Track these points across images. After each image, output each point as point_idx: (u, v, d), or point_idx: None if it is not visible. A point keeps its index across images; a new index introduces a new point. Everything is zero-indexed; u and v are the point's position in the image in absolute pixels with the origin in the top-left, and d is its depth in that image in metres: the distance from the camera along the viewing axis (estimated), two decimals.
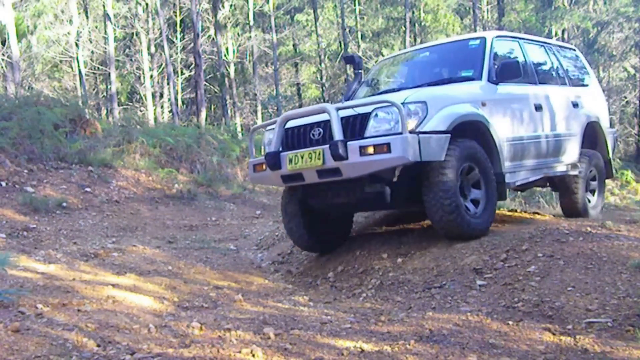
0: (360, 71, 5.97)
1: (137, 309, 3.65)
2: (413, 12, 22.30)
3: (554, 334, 3.21)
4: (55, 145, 8.97)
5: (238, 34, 26.09)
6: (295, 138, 5.07)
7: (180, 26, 25.76)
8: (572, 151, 6.47)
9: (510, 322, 3.43)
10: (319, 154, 4.73)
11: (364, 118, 4.72)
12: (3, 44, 19.31)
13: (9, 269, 4.18)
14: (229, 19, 24.57)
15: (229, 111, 23.26)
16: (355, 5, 24.28)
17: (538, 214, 6.82)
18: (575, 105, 6.60)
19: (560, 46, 7.34)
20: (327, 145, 4.68)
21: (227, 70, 24.23)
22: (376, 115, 4.69)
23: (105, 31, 21.44)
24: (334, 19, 26.55)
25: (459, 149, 4.86)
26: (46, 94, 14.72)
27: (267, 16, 25.67)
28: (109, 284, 4.25)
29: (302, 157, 4.84)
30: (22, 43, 22.02)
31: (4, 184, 7.55)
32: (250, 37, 24.42)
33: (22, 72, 20.00)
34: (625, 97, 24.93)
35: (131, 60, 24.54)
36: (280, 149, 5.04)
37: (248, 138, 6.70)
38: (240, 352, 2.68)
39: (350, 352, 2.81)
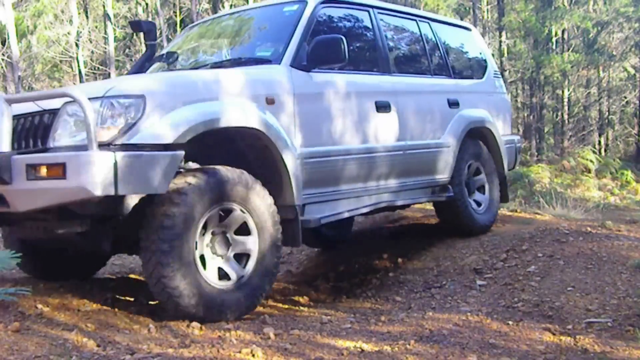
0: (154, 42, 4.43)
1: (137, 309, 3.65)
2: None
3: (554, 334, 3.21)
4: None
5: None
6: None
7: (181, 26, 25.77)
8: (439, 169, 4.86)
9: (510, 322, 3.43)
10: None
11: (52, 117, 3.07)
12: (3, 44, 19.30)
13: (9, 269, 4.17)
14: None
15: None
16: None
17: (538, 214, 6.81)
18: (453, 104, 5.06)
19: (446, 23, 5.71)
20: None
21: None
22: (68, 113, 3.03)
23: (105, 31, 21.44)
24: None
25: (207, 179, 3.19)
26: None
27: None
28: (110, 284, 4.25)
29: None
30: (22, 43, 22.02)
31: None
32: None
33: (22, 72, 19.99)
34: (625, 97, 24.93)
35: (131, 60, 24.54)
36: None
37: None
38: (240, 352, 2.68)
39: (350, 352, 2.82)
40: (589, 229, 5.00)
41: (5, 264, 2.30)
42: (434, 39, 5.25)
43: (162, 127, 3.05)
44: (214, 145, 3.53)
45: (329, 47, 3.79)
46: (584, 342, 3.05)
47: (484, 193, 5.49)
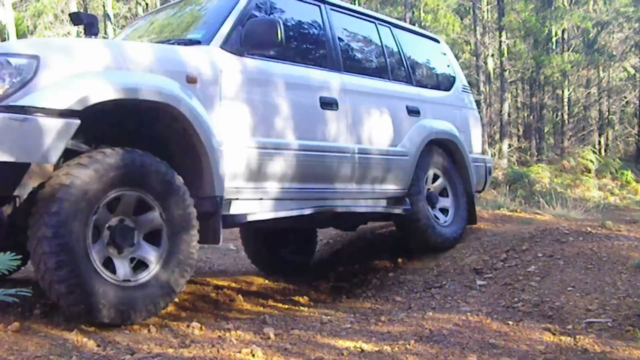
0: (96, 35, 4.10)
1: None
2: (413, 12, 22.30)
3: (554, 334, 3.21)
4: None
5: None
6: None
7: None
8: (395, 178, 4.58)
9: (510, 322, 3.43)
10: None
11: None
12: None
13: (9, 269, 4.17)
14: None
15: None
16: (355, 5, 24.26)
17: (538, 214, 6.81)
18: (412, 112, 4.82)
19: (410, 31, 5.50)
20: None
21: None
22: None
23: (105, 31, 21.45)
24: None
25: (105, 160, 2.87)
26: None
27: None
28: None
29: None
30: None
31: None
32: None
33: None
34: (625, 97, 24.94)
35: None
36: None
37: None
38: (240, 352, 2.68)
39: (350, 352, 2.82)
40: (589, 229, 5.00)
41: (6, 265, 2.29)
42: (395, 44, 5.08)
43: (55, 91, 2.75)
44: (134, 128, 3.29)
45: (262, 30, 3.55)
46: (584, 342, 3.05)
47: (448, 206, 5.21)
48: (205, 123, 3.27)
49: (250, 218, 3.62)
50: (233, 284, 4.89)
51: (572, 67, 20.95)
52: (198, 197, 3.30)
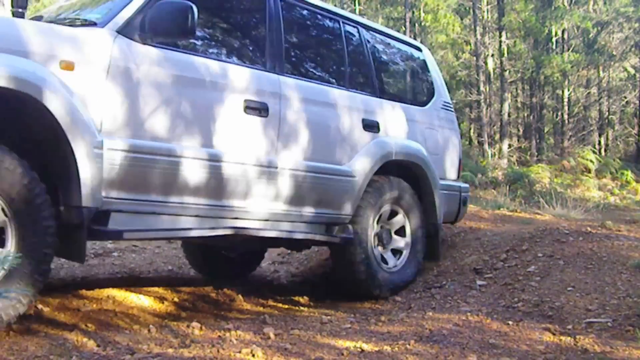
0: (24, 9, 3.46)
1: (137, 309, 3.66)
2: (413, 12, 22.30)
3: (554, 334, 3.21)
4: None
5: None
6: None
7: None
8: (337, 201, 3.97)
9: (510, 322, 3.43)
10: None
11: None
12: None
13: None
14: None
15: None
16: (355, 5, 24.26)
17: (538, 214, 6.82)
18: (369, 126, 4.20)
19: (386, 34, 4.85)
20: None
21: None
22: None
23: None
24: None
25: None
26: None
27: None
28: (110, 284, 4.25)
29: None
30: None
31: None
32: None
33: None
34: (625, 97, 24.93)
35: None
36: None
37: None
38: (240, 352, 2.68)
39: (350, 352, 2.82)
40: (589, 229, 5.00)
41: (5, 263, 2.29)
42: (362, 48, 4.43)
43: None
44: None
45: (170, 15, 3.03)
46: (584, 342, 3.05)
47: (402, 247, 4.49)
48: (76, 119, 2.75)
49: (128, 236, 3.09)
50: (233, 284, 4.89)
51: (572, 67, 20.94)
52: (67, 206, 2.86)
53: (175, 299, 4.07)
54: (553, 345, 3.04)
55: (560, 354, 2.92)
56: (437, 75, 5.15)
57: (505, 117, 20.86)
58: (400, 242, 4.48)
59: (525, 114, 24.94)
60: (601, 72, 23.46)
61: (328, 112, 3.98)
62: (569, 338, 3.14)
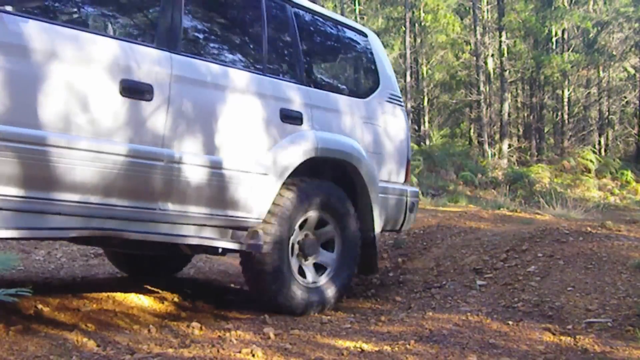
0: None
1: (137, 309, 3.66)
2: (413, 12, 22.31)
3: (554, 334, 3.21)
4: None
5: None
6: None
7: None
8: (244, 203, 3.40)
9: (510, 322, 3.43)
10: None
11: None
12: None
13: (9, 270, 4.18)
14: None
15: None
16: (355, 5, 24.28)
17: (538, 214, 6.82)
18: (289, 117, 3.65)
19: (325, 17, 4.27)
20: None
21: None
22: None
23: None
24: None
25: None
26: None
27: None
28: (110, 284, 4.25)
29: None
30: None
31: None
32: None
33: None
34: (625, 97, 24.95)
35: None
36: None
37: None
38: (240, 352, 2.68)
39: (350, 352, 2.82)
40: (589, 229, 5.00)
41: (6, 265, 2.29)
42: (286, 28, 3.88)
43: None
44: None
45: None
46: (584, 342, 3.05)
47: (327, 263, 3.90)
48: None
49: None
50: (233, 284, 4.89)
51: (572, 67, 20.96)
52: None
53: (175, 299, 4.07)
54: (553, 345, 3.04)
55: (560, 354, 2.92)
56: (383, 65, 4.49)
57: (505, 117, 20.87)
58: (326, 257, 3.89)
59: (525, 114, 24.96)
60: (601, 72, 23.48)
61: (234, 99, 3.39)
62: (569, 338, 3.14)
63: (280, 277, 3.56)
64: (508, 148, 20.47)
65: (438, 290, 4.30)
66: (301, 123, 3.71)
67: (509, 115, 22.10)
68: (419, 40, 23.10)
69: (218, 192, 3.30)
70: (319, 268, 3.89)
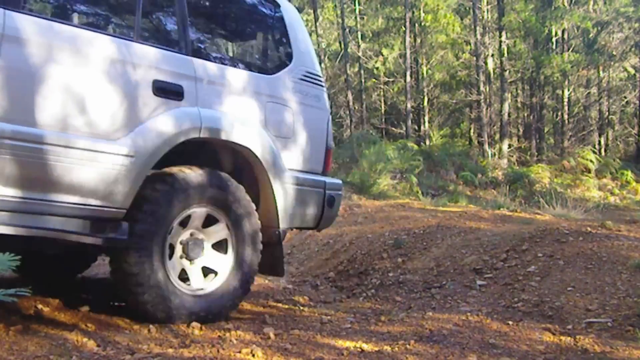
0: None
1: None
2: (413, 12, 22.31)
3: (554, 334, 3.22)
4: None
5: None
6: None
7: None
8: (101, 189, 2.89)
9: (510, 322, 3.43)
10: None
11: None
12: None
13: (9, 270, 4.17)
14: None
15: None
16: (355, 5, 24.29)
17: (538, 214, 6.82)
18: (164, 91, 3.13)
19: None
20: None
21: None
22: None
23: None
24: (334, 19, 26.56)
25: None
26: None
27: None
28: (110, 284, 4.25)
29: None
30: None
31: None
32: None
33: None
34: (625, 97, 24.95)
35: None
36: None
37: None
38: (240, 352, 2.68)
39: (350, 352, 2.82)
40: (589, 229, 5.00)
41: (5, 265, 2.29)
42: None
43: None
44: None
45: None
46: (584, 342, 3.05)
47: (218, 268, 3.38)
48: None
49: None
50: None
51: (572, 67, 20.95)
52: None
53: None
54: (553, 345, 3.04)
55: (560, 354, 2.92)
56: (298, 39, 3.95)
57: (505, 117, 20.87)
58: (217, 260, 3.38)
59: (525, 114, 24.95)
60: (601, 72, 23.47)
61: (92, 67, 2.92)
62: (569, 338, 3.14)
63: (151, 281, 3.04)
64: (508, 148, 20.47)
65: (438, 290, 4.30)
66: (181, 98, 3.18)
67: (509, 115, 22.10)
68: (419, 40, 23.10)
69: (69, 176, 2.79)
70: (210, 272, 3.37)
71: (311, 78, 3.94)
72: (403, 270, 4.86)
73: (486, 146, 20.20)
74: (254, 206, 3.47)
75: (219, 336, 3.00)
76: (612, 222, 5.48)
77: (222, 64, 3.57)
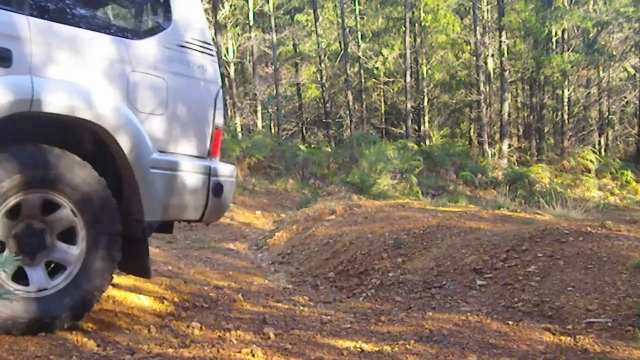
0: None
1: (137, 309, 3.65)
2: (413, 12, 22.31)
3: (554, 334, 3.21)
4: None
5: (238, 34, 26.10)
6: None
7: None
8: None
9: (510, 322, 3.43)
10: None
11: None
12: None
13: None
14: (228, 19, 24.59)
15: (229, 111, 23.28)
16: (355, 5, 24.29)
17: (538, 214, 6.81)
18: None
19: None
20: None
21: (227, 70, 24.26)
22: None
23: None
24: (334, 19, 26.57)
25: None
26: None
27: (267, 16, 25.68)
28: (109, 284, 4.25)
29: None
30: None
31: None
32: (250, 37, 24.44)
33: None
34: (625, 97, 24.96)
35: None
36: None
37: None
38: (240, 352, 2.68)
39: (350, 352, 2.82)
40: (589, 229, 5.00)
41: (7, 265, 2.28)
42: None
43: None
44: None
45: None
46: (584, 342, 3.05)
47: (67, 261, 2.86)
48: None
49: None
50: (233, 284, 4.89)
51: (572, 67, 20.97)
52: None
53: (175, 299, 4.06)
54: (553, 345, 3.04)
55: (560, 354, 2.92)
56: (184, 2, 3.40)
57: (505, 117, 20.88)
58: (64, 252, 2.87)
59: (525, 114, 24.96)
60: (601, 72, 23.48)
61: None
62: (569, 338, 3.14)
63: None
64: (508, 148, 20.48)
65: (438, 290, 4.30)
66: (10, 64, 2.66)
67: (509, 115, 22.10)
68: (419, 40, 23.10)
69: None
70: (58, 269, 2.87)
71: (195, 45, 3.36)
72: (403, 270, 4.86)
73: (486, 146, 20.21)
74: (108, 191, 2.96)
75: (219, 336, 3.00)
76: (612, 222, 5.47)
77: (71, 24, 2.96)
